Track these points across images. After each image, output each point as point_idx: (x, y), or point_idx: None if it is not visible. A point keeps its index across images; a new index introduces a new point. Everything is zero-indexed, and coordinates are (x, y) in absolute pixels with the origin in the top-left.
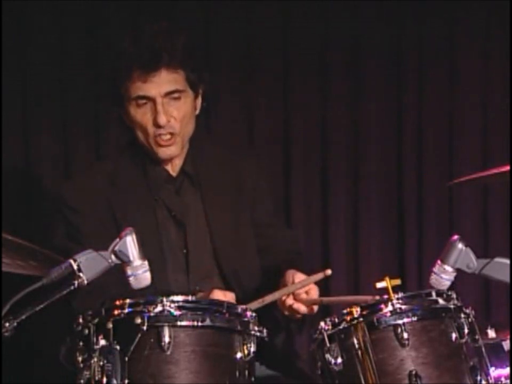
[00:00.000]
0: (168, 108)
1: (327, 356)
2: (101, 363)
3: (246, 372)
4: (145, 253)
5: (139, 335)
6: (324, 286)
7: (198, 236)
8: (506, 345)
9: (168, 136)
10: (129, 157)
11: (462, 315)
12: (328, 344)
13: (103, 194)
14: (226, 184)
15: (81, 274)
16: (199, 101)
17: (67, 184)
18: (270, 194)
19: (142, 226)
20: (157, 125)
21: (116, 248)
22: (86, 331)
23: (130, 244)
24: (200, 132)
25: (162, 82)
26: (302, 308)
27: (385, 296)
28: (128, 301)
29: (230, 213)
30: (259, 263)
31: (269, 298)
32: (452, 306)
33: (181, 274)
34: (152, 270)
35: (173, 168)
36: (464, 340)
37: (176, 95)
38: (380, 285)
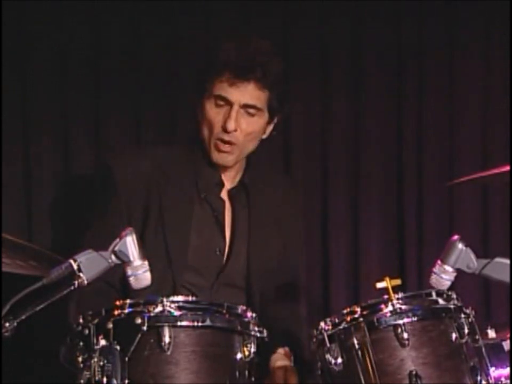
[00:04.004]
0: (240, 118)
1: (327, 355)
2: (101, 363)
3: (246, 372)
4: (169, 245)
5: (139, 335)
6: (324, 286)
7: (236, 243)
8: (506, 345)
9: (228, 146)
10: (187, 154)
11: (462, 315)
12: (328, 344)
13: (147, 176)
14: (273, 209)
15: (81, 274)
16: (271, 127)
17: (116, 158)
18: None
19: (176, 218)
20: (224, 129)
21: (116, 248)
22: (86, 331)
23: (130, 244)
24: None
25: (246, 93)
26: None
27: (386, 296)
28: (128, 301)
29: (269, 235)
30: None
31: None
32: (452, 306)
33: (210, 274)
34: (155, 267)
35: (226, 178)
36: (464, 340)
37: (252, 110)
38: (380, 285)
